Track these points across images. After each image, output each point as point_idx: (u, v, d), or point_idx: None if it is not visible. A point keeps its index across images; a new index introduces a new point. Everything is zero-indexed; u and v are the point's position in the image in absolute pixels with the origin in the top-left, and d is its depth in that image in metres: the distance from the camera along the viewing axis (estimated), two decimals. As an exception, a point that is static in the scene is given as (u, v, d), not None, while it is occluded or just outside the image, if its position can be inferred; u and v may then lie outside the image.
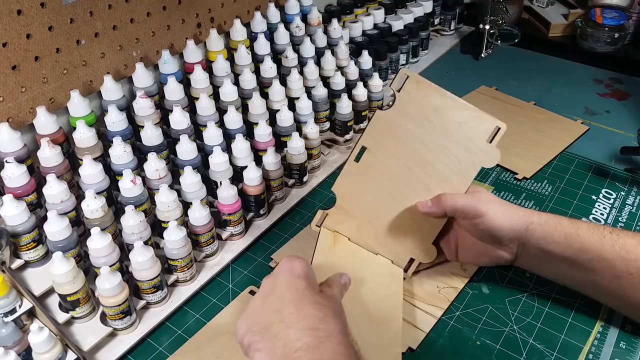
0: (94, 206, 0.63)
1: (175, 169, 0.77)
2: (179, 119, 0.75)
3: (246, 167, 0.74)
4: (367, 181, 0.66)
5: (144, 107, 0.75)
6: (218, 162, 0.72)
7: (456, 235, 0.66)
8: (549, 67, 1.15)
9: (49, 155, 0.66)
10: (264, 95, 0.85)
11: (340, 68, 0.96)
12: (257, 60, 0.91)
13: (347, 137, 0.92)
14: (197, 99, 0.79)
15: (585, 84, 1.09)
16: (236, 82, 0.85)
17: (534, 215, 0.60)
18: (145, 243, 0.63)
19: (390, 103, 0.64)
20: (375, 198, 0.66)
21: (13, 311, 0.58)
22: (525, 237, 0.60)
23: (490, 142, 0.62)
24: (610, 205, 0.80)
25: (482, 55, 1.18)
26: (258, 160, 0.78)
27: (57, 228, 0.61)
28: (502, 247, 0.62)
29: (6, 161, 0.63)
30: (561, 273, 0.62)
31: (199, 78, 0.82)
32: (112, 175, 0.71)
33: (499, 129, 0.62)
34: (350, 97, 0.90)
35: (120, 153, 0.69)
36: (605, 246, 0.57)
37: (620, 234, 0.58)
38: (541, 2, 1.32)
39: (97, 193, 0.65)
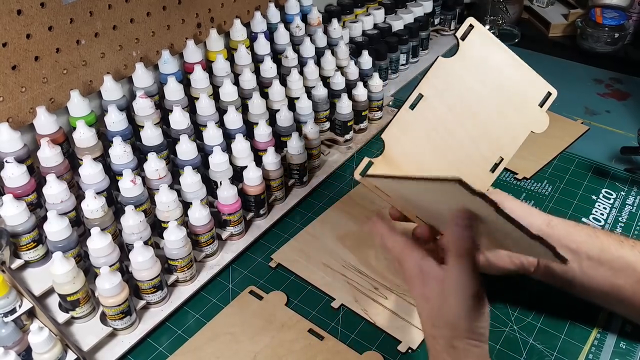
0: (94, 206, 0.63)
1: (175, 169, 0.77)
2: (179, 119, 0.75)
3: (246, 167, 0.74)
4: (417, 132, 0.61)
5: (144, 107, 0.75)
6: (218, 162, 0.72)
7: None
8: (549, 67, 1.15)
9: (49, 155, 0.66)
10: (264, 95, 0.85)
11: (340, 68, 0.95)
12: (257, 60, 0.91)
13: (347, 137, 0.92)
14: (197, 99, 0.79)
15: (585, 84, 1.09)
16: (236, 82, 0.85)
17: (552, 216, 0.60)
18: (145, 243, 0.63)
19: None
20: (422, 151, 0.62)
21: (13, 311, 0.58)
22: (547, 233, 0.58)
23: (541, 106, 0.60)
24: (610, 205, 0.80)
25: (482, 55, 1.18)
26: (258, 160, 0.78)
27: (57, 228, 0.61)
28: None
29: (6, 161, 0.63)
30: (585, 278, 0.58)
31: (199, 78, 0.82)
32: (112, 175, 0.71)
33: (550, 94, 0.60)
34: (350, 97, 0.90)
35: (120, 153, 0.69)
36: (625, 249, 0.57)
37: (636, 241, 0.58)
38: (541, 2, 1.32)
39: (97, 193, 0.65)
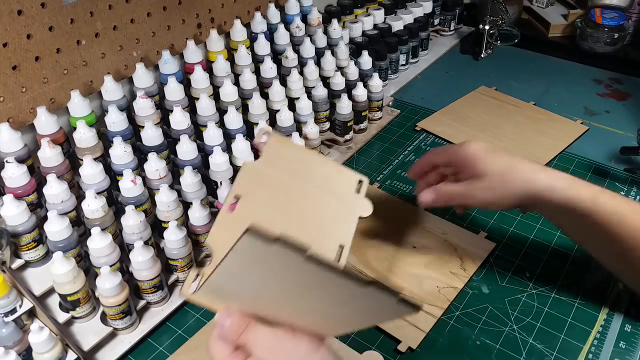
0: (94, 206, 0.63)
1: (175, 169, 0.77)
2: (179, 119, 0.76)
3: (246, 167, 0.74)
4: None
5: (144, 107, 0.75)
6: (218, 162, 0.73)
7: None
8: (548, 67, 1.15)
9: (50, 155, 0.66)
10: (264, 96, 0.85)
11: (340, 68, 0.96)
12: (257, 61, 0.91)
13: (347, 137, 0.92)
14: (197, 99, 0.80)
15: (585, 84, 1.09)
16: (236, 82, 0.86)
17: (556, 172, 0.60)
18: (146, 243, 0.63)
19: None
20: None
21: (13, 311, 0.58)
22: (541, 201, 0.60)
23: (358, 193, 0.59)
24: (610, 205, 0.80)
25: (482, 55, 1.18)
26: (258, 161, 0.78)
27: (57, 228, 0.61)
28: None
29: (6, 161, 0.63)
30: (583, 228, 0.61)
31: (199, 78, 0.82)
32: (113, 175, 0.71)
33: (362, 181, 0.59)
34: (350, 97, 0.90)
35: (121, 153, 0.69)
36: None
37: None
38: (541, 3, 1.33)
39: (98, 193, 0.65)
